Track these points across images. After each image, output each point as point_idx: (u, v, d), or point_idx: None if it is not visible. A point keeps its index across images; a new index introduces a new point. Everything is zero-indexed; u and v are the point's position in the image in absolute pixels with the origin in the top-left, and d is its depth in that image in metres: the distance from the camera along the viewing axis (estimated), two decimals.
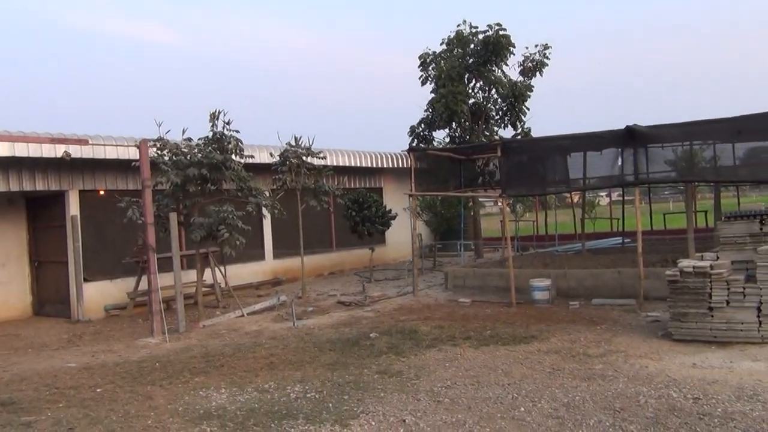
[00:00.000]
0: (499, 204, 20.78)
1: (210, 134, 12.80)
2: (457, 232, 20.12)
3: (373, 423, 5.81)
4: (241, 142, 13.04)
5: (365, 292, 14.35)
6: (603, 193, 27.11)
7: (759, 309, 7.90)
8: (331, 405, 6.43)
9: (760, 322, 7.88)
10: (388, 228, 18.11)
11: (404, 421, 5.80)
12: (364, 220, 17.19)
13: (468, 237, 20.56)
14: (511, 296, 12.26)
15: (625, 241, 18.04)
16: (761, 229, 8.69)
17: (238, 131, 12.90)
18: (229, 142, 12.80)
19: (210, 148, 12.50)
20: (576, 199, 22.92)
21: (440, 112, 18.84)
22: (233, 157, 12.89)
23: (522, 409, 5.96)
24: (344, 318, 11.82)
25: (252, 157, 13.96)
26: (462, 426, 5.59)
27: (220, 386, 7.42)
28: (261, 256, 17.51)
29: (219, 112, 12.77)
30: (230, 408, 6.51)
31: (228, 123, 12.75)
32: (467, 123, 19.36)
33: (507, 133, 19.81)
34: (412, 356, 8.41)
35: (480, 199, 23.34)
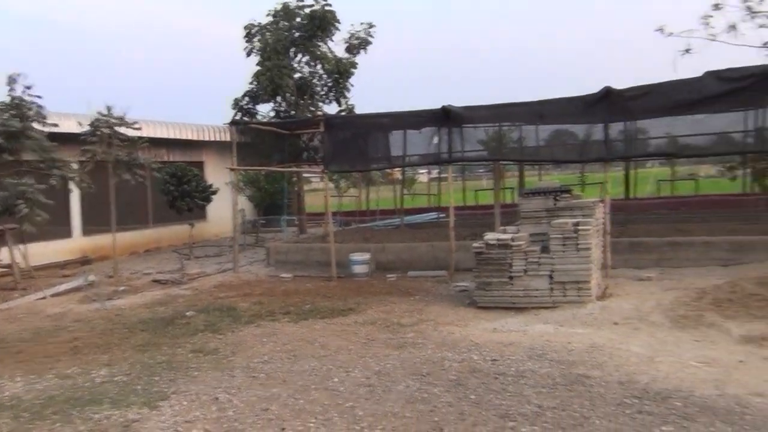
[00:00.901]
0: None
1: (7, 99, 11.65)
2: (281, 207, 20.02)
3: (185, 403, 5.65)
4: (44, 109, 12.00)
5: (183, 270, 13.85)
6: (423, 170, 28.31)
7: (551, 277, 8.71)
8: (140, 387, 6.16)
9: (552, 289, 8.70)
10: (209, 203, 17.60)
11: (217, 398, 5.70)
12: (183, 195, 16.55)
13: (292, 212, 20.55)
14: (332, 270, 12.46)
15: (440, 216, 19.00)
16: (555, 204, 9.57)
17: (40, 96, 11.89)
18: (30, 109, 11.74)
19: (7, 114, 11.37)
20: (397, 175, 23.74)
21: (265, 85, 18.49)
22: (34, 125, 11.83)
23: (336, 379, 6.10)
24: (159, 297, 11.34)
25: (56, 125, 12.88)
26: (276, 399, 5.61)
27: (15, 375, 6.82)
28: (67, 233, 16.28)
29: (18, 75, 11.67)
30: (26, 397, 6.02)
31: (28, 88, 11.70)
32: (293, 97, 19.19)
33: (332, 109, 19.94)
34: (229, 333, 8.27)
35: (306, 175, 23.36)
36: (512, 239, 8.88)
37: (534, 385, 5.60)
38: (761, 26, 16.91)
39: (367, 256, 12.63)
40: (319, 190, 38.96)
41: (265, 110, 20.31)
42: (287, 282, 12.42)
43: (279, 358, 7.00)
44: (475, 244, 9.16)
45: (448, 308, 9.21)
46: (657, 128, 14.54)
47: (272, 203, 21.74)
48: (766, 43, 16.58)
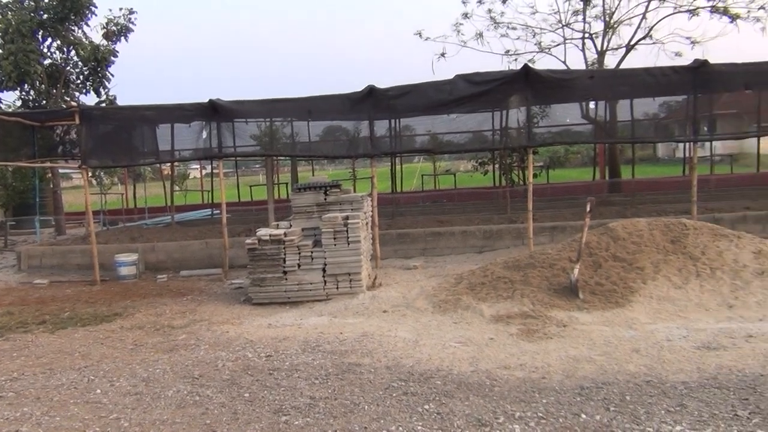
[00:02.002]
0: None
1: None
2: (34, 206, 18.09)
3: None
4: None
5: None
6: (195, 166, 27.36)
7: (324, 270, 8.91)
8: None
9: (325, 282, 8.90)
10: None
11: None
12: None
13: (47, 212, 18.66)
14: (95, 274, 11.55)
15: (214, 212, 18.53)
16: (326, 199, 9.79)
17: None
18: None
19: None
20: (168, 171, 22.66)
21: (8, 71, 16.54)
22: None
23: (98, 391, 5.65)
24: None
25: None
26: (28, 420, 5.05)
27: None
28: None
29: None
30: None
31: None
32: (43, 86, 17.41)
33: (91, 99, 18.44)
34: None
35: (64, 171, 21.36)
36: (285, 234, 8.92)
37: (307, 377, 5.68)
38: (503, 36, 18.90)
39: (134, 256, 11.89)
40: (81, 187, 35.98)
41: (10, 99, 18.22)
42: (42, 288, 11.27)
43: (32, 373, 6.31)
44: (248, 241, 9.05)
45: (222, 307, 9.00)
46: (421, 126, 15.63)
47: (23, 203, 19.54)
48: (507, 51, 18.57)
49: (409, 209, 17.43)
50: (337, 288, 8.91)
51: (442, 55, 18.81)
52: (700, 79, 10.48)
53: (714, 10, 16.99)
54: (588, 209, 7.99)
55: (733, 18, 16.84)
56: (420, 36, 19.15)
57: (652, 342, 6.14)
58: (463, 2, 18.87)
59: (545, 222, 12.60)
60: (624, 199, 16.34)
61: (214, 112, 11.67)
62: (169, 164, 17.77)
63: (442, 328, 7.13)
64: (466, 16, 18.81)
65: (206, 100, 11.61)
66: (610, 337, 6.36)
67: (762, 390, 4.86)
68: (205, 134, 12.19)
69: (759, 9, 16.74)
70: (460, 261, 11.46)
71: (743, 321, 6.71)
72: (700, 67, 10.34)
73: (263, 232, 9.13)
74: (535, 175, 19.04)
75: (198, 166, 27.10)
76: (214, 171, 20.19)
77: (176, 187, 20.23)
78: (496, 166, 18.26)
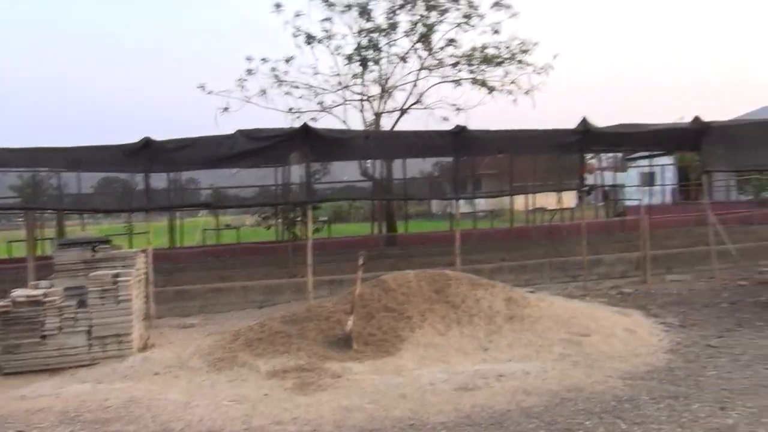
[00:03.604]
0: None
1: None
2: None
3: None
4: None
5: None
6: None
7: (89, 332, 8.28)
8: None
9: (91, 345, 8.27)
10: None
11: None
12: None
13: None
14: None
15: None
16: (94, 255, 9.19)
17: None
18: None
19: None
20: None
21: None
22: None
23: None
24: None
25: None
26: None
27: None
28: None
29: None
30: None
31: None
32: None
33: None
34: None
35: None
36: (45, 295, 8.19)
37: None
38: (287, 94, 19.43)
39: None
40: None
41: None
42: None
43: None
44: (1, 304, 8.16)
45: None
46: (206, 180, 15.36)
47: None
48: (291, 109, 19.09)
49: (190, 265, 16.87)
50: (104, 351, 8.32)
51: (226, 109, 18.78)
52: (460, 142, 11.64)
53: (474, 81, 19.02)
54: (360, 263, 8.39)
55: (490, 90, 18.99)
56: (203, 89, 18.98)
57: (417, 387, 6.55)
58: (248, 59, 19.12)
59: (325, 276, 12.93)
60: (398, 252, 17.33)
61: None
62: None
63: (217, 387, 6.96)
64: (250, 72, 19.05)
65: None
66: (380, 385, 6.66)
67: (507, 424, 5.40)
68: None
69: (511, 83, 19.09)
70: (240, 317, 11.30)
71: (496, 362, 7.42)
72: (460, 132, 11.50)
73: (19, 293, 8.30)
74: (317, 230, 19.56)
75: None
76: None
77: None
78: (280, 221, 18.44)
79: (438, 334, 8.07)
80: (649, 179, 27.89)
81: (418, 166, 16.89)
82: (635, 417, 5.40)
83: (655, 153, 24.09)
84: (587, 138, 12.29)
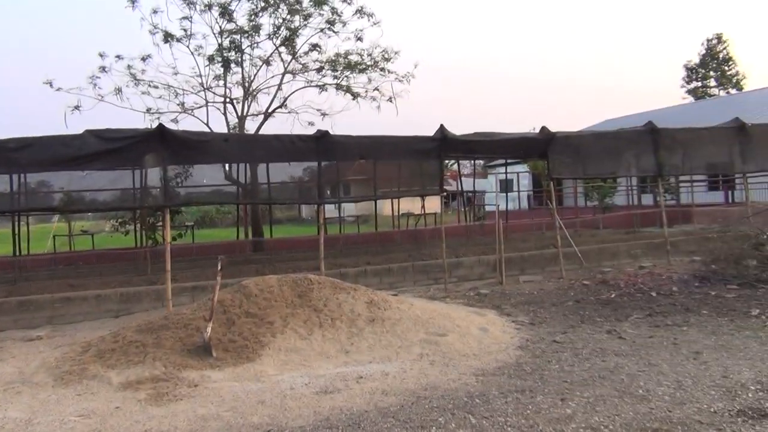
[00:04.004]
0: None
1: None
2: None
3: None
4: None
5: None
6: None
7: None
8: None
9: None
10: None
11: None
12: None
13: None
14: None
15: None
16: None
17: None
18: None
19: None
20: None
21: None
22: None
23: None
24: None
25: None
26: None
27: None
28: None
29: None
30: None
31: None
32: None
33: None
34: None
35: None
36: None
37: None
38: (144, 93, 18.68)
39: None
40: None
41: None
42: None
43: None
44: None
45: None
46: (58, 182, 14.36)
47: None
48: (149, 110, 18.37)
49: (37, 274, 15.76)
50: None
51: (77, 107, 17.72)
52: (323, 147, 11.71)
53: (339, 87, 19.22)
54: (219, 268, 8.22)
55: (354, 96, 19.26)
56: (51, 86, 17.80)
57: (276, 392, 6.51)
58: (101, 56, 18.18)
59: (187, 282, 12.54)
60: (264, 257, 17.14)
61: None
62: None
63: (63, 402, 6.55)
64: (103, 69, 18.11)
65: None
66: (239, 392, 6.56)
67: (365, 425, 5.49)
68: None
69: (374, 90, 19.46)
70: (94, 327, 10.69)
71: (357, 364, 7.52)
72: (322, 137, 11.57)
73: None
74: (180, 235, 18.94)
75: None
76: None
77: None
78: (138, 225, 17.67)
79: (300, 338, 8.06)
80: (507, 185, 29.40)
81: (288, 171, 16.82)
82: (484, 411, 5.67)
83: (511, 160, 25.44)
84: (445, 145, 12.78)
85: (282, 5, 18.69)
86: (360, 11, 18.91)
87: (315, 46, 19.25)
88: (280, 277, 9.38)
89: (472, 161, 30.28)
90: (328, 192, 17.69)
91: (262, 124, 18.94)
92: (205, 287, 12.24)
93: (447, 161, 23.04)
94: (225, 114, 18.96)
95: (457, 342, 8.25)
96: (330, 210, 23.35)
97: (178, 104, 18.90)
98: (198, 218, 31.49)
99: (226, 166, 16.66)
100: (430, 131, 12.97)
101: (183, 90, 18.87)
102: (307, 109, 19.75)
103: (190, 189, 15.44)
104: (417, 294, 12.45)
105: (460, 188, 26.47)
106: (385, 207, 25.39)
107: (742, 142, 15.45)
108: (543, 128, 13.76)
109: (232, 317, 8.29)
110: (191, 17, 18.52)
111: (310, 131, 17.59)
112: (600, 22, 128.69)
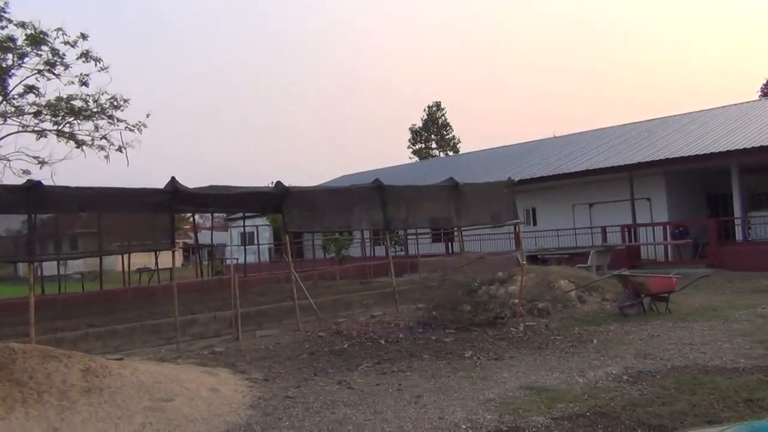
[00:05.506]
0: None
1: None
2: None
3: None
4: None
5: None
6: None
7: None
8: None
9: None
10: None
11: None
12: None
13: None
14: None
15: None
16: None
17: None
18: None
19: None
20: None
21: None
22: None
23: None
24: None
25: None
26: None
27: None
28: None
29: None
30: None
31: None
32: None
33: None
34: None
35: None
36: None
37: None
38: None
39: None
40: None
41: None
42: None
43: None
44: None
45: None
46: None
47: None
48: None
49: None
50: None
51: None
52: (34, 199, 10.52)
53: (60, 134, 17.64)
54: None
55: (79, 144, 17.81)
56: None
57: None
58: None
59: None
60: None
61: None
62: None
63: None
64: None
65: None
66: None
67: None
68: None
69: (102, 138, 18.21)
70: None
71: None
72: (32, 187, 10.42)
73: None
74: None
75: None
76: None
77: None
78: None
79: None
80: (245, 239, 29.22)
81: (5, 224, 14.84)
82: None
83: (251, 214, 25.43)
84: (177, 197, 12.30)
85: None
86: (86, 55, 17.67)
87: (31, 88, 17.49)
88: None
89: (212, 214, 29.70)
90: (53, 247, 15.89)
91: None
92: None
93: (184, 214, 22.25)
94: None
95: (184, 406, 7.78)
96: (53, 266, 21.00)
97: None
98: None
99: None
100: (182, 182, 12.38)
101: None
102: (22, 157, 17.78)
103: None
104: (146, 356, 11.61)
105: (196, 242, 25.66)
106: (118, 262, 23.61)
107: (456, 199, 17.18)
108: (278, 183, 13.95)
109: None
110: None
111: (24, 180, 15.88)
112: (331, 86, 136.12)
